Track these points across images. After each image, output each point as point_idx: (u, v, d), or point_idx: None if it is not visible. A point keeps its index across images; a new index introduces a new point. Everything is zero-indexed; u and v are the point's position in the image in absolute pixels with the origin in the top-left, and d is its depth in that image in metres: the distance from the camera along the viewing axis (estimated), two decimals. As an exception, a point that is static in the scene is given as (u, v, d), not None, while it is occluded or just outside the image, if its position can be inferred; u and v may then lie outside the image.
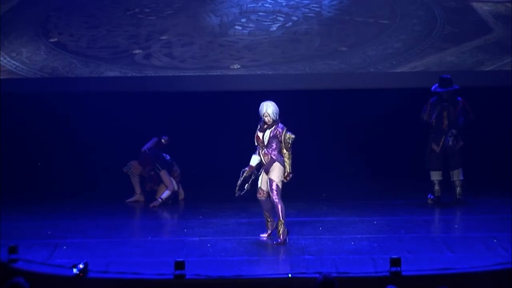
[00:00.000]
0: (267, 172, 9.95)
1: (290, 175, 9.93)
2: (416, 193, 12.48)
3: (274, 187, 9.90)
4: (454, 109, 11.94)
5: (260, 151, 9.99)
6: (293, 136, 9.88)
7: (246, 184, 10.08)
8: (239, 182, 10.07)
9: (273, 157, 9.89)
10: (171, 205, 12.39)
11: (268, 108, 9.85)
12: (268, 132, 9.90)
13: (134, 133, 13.21)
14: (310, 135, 13.51)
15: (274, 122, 9.88)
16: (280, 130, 9.88)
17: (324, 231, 10.58)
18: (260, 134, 9.95)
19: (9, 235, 10.08)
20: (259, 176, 10.05)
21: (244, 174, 10.05)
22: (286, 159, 9.91)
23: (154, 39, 13.68)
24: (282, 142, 9.88)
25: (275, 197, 9.91)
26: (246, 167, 10.07)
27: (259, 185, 10.05)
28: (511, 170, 13.09)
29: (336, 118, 13.77)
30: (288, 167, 9.91)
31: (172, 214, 12.16)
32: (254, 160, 10.05)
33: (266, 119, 9.86)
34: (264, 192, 10.03)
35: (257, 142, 10.00)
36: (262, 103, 9.90)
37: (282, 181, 9.94)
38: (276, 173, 9.91)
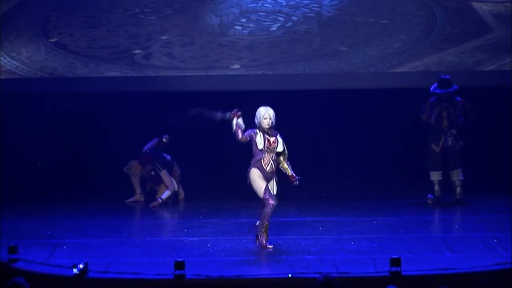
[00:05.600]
0: (271, 178, 9.80)
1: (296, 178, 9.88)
2: (416, 193, 12.49)
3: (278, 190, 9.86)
4: (454, 110, 11.94)
5: (269, 156, 9.74)
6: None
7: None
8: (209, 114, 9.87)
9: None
10: (171, 205, 12.40)
11: (270, 111, 9.70)
12: (280, 139, 9.77)
13: (134, 133, 13.22)
14: (310, 135, 13.52)
15: (272, 127, 9.74)
16: (280, 136, 9.82)
17: (324, 231, 10.58)
18: (271, 139, 9.73)
19: (9, 235, 10.08)
20: (269, 184, 9.74)
21: (226, 117, 9.76)
22: (289, 166, 9.84)
23: (154, 39, 13.68)
24: (283, 148, 9.81)
25: None
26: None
27: (275, 192, 9.81)
28: (511, 170, 13.09)
29: (336, 118, 13.76)
30: (292, 172, 9.84)
31: (172, 214, 12.16)
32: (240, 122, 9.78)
33: (266, 121, 9.66)
34: None
35: (266, 145, 9.72)
36: (263, 107, 9.73)
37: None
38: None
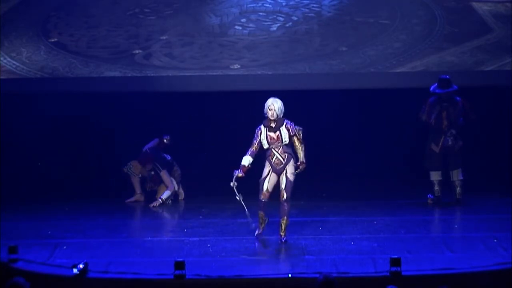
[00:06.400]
0: (281, 171, 9.95)
1: (304, 164, 9.96)
2: (416, 193, 12.49)
3: (291, 184, 9.95)
4: (453, 110, 11.94)
5: (276, 150, 9.95)
6: (301, 128, 10.02)
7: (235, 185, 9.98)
8: (234, 185, 9.97)
9: (291, 153, 9.97)
10: (171, 205, 12.40)
11: (275, 103, 9.90)
12: (284, 130, 9.92)
13: (134, 133, 13.22)
14: (310, 135, 13.49)
15: (279, 119, 9.89)
16: (292, 126, 9.96)
17: (324, 231, 10.59)
18: (273, 135, 9.94)
19: (9, 235, 10.08)
20: (266, 178, 9.98)
21: (239, 175, 9.95)
22: (301, 151, 9.94)
23: (154, 39, 13.68)
24: (295, 136, 9.96)
25: (289, 195, 9.95)
26: (237, 169, 9.97)
27: (265, 188, 9.98)
28: (511, 170, 13.09)
29: (336, 118, 13.75)
30: (303, 157, 9.96)
31: (172, 214, 12.16)
32: (246, 160, 9.98)
33: (270, 112, 9.85)
34: (269, 194, 10.03)
35: (269, 143, 9.95)
36: (270, 99, 9.95)
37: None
38: (292, 169, 9.97)
